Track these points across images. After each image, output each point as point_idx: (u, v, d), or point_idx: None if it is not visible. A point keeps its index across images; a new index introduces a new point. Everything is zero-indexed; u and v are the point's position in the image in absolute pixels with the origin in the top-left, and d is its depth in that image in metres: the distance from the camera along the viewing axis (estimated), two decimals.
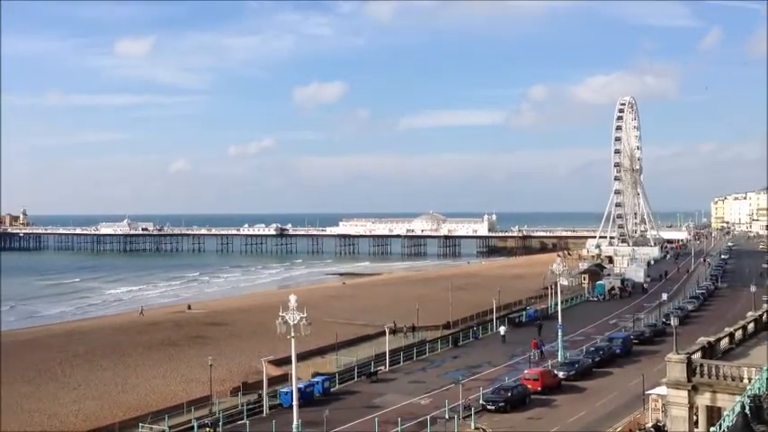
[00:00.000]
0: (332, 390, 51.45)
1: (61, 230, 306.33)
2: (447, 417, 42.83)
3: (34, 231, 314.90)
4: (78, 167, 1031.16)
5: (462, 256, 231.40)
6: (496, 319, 78.81)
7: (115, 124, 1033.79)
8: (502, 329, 71.54)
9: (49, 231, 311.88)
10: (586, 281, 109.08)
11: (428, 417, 42.18)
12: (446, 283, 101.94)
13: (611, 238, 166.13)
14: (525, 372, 51.35)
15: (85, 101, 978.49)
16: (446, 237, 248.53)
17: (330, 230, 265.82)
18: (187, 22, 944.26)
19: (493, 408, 45.11)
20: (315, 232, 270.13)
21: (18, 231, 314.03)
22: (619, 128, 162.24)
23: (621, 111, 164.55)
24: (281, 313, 35.61)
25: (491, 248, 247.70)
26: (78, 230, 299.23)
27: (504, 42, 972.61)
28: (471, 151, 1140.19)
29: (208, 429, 41.75)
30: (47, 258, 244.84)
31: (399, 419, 41.30)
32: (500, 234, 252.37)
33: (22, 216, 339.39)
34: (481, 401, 45.96)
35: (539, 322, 75.52)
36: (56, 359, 64.96)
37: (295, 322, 35.34)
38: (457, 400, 44.47)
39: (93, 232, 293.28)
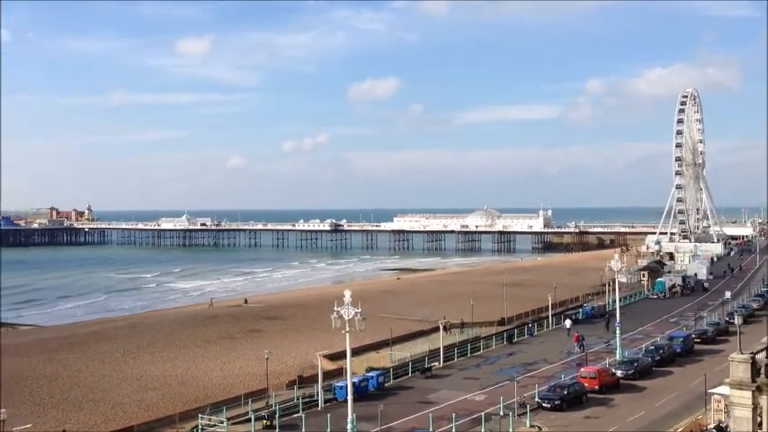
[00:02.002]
0: (386, 385, 51.67)
1: (124, 225, 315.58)
2: (502, 414, 42.52)
3: (99, 226, 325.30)
4: (140, 164, 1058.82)
5: (517, 252, 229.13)
6: (552, 316, 77.93)
7: (175, 122, 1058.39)
8: (567, 323, 70.95)
9: (112, 226, 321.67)
10: (646, 278, 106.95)
11: (482, 413, 42.00)
12: (500, 279, 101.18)
13: (672, 234, 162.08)
14: (582, 370, 50.65)
15: (147, 99, 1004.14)
16: (501, 232, 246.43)
17: (384, 226, 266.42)
18: (243, 21, 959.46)
19: (549, 406, 44.66)
20: (369, 228, 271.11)
21: (83, 226, 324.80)
22: (680, 121, 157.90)
23: (683, 103, 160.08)
24: (336, 308, 35.94)
25: (546, 244, 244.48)
26: (140, 226, 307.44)
27: (560, 36, 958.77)
28: (526, 146, 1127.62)
29: (265, 422, 42.43)
30: (114, 253, 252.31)
31: (453, 415, 41.22)
32: (556, 230, 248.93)
33: (87, 212, 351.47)
34: (537, 399, 45.54)
35: (607, 316, 74.52)
36: (119, 350, 66.89)
37: (350, 317, 35.62)
38: (512, 398, 44.13)
39: (154, 227, 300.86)
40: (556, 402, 44.74)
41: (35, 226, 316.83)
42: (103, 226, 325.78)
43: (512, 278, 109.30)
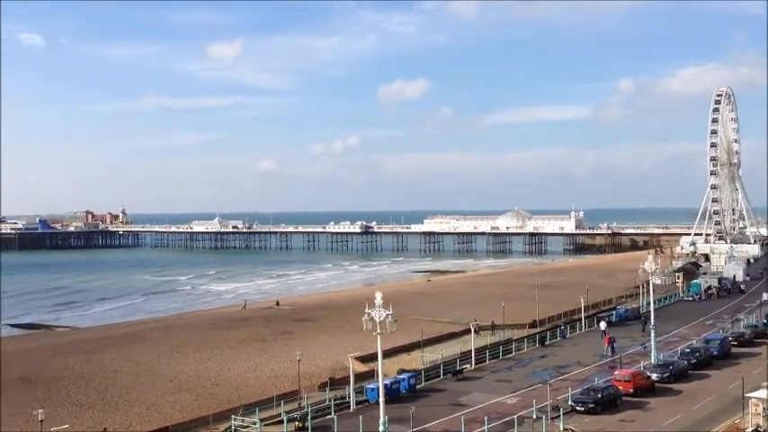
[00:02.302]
0: (418, 387, 51.57)
1: (157, 228, 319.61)
2: (535, 417, 42.21)
3: (132, 229, 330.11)
4: (172, 168, 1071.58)
5: (548, 254, 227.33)
6: (585, 318, 77.17)
7: (206, 125, 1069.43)
8: (602, 325, 70.26)
9: (146, 229, 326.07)
10: (681, 280, 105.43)
11: (515, 416, 41.71)
12: (532, 281, 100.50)
13: (708, 235, 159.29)
14: (616, 373, 50.05)
15: (179, 104, 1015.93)
16: (532, 234, 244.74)
17: (415, 228, 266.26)
18: (272, 25, 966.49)
19: (582, 409, 44.18)
20: (399, 230, 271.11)
21: (118, 229, 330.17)
22: (715, 120, 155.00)
23: (718, 102, 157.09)
24: (367, 310, 36.00)
25: (578, 246, 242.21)
26: (173, 228, 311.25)
27: (590, 36, 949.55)
28: (556, 147, 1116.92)
29: (297, 423, 42.61)
30: (148, 255, 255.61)
31: (486, 418, 40.98)
32: (588, 231, 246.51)
33: (121, 215, 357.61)
34: (570, 402, 45.08)
35: (643, 318, 73.67)
36: (153, 351, 67.77)
37: (381, 319, 35.66)
38: (545, 401, 43.77)
39: (186, 230, 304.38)
40: (590, 406, 44.26)
41: (71, 229, 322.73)
42: (137, 229, 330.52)
43: (543, 280, 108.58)
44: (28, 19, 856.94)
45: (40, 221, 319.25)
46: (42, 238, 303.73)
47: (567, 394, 46.26)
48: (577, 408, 44.36)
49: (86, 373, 59.14)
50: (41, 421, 37.86)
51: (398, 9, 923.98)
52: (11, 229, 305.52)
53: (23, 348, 73.30)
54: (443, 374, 55.42)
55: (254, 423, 42.94)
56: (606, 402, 44.95)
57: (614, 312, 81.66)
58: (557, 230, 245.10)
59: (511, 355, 62.64)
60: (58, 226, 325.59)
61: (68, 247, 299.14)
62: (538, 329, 73.86)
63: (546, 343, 67.47)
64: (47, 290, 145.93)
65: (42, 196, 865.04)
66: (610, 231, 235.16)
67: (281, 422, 43.08)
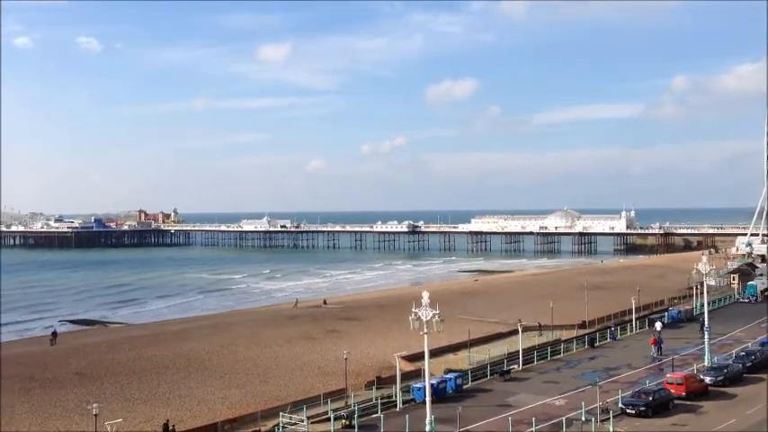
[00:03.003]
0: (464, 387, 51.40)
1: (207, 227, 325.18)
2: (584, 419, 41.67)
3: (183, 228, 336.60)
4: (223, 168, 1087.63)
5: (598, 254, 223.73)
6: (636, 319, 75.79)
7: (256, 126, 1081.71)
8: (658, 326, 69.04)
9: (196, 228, 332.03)
10: (736, 281, 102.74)
11: (563, 418, 41.25)
12: (581, 282, 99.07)
13: (765, 235, 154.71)
14: (668, 376, 49.09)
15: (230, 105, 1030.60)
16: (581, 234, 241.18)
17: (462, 227, 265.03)
18: (321, 27, 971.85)
19: (633, 412, 43.47)
20: (447, 229, 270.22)
21: (170, 228, 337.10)
22: None
23: None
24: (413, 309, 35.99)
25: (629, 246, 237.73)
26: (223, 227, 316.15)
27: (643, 34, 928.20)
28: (607, 146, 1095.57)
29: (344, 421, 42.89)
30: (199, 254, 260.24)
31: (533, 420, 40.63)
32: (639, 231, 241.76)
33: (173, 214, 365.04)
34: (620, 405, 44.38)
35: (701, 320, 72.10)
36: (204, 349, 68.89)
37: (428, 318, 35.61)
38: (594, 403, 43.16)
39: (236, 229, 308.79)
40: (640, 409, 43.50)
41: (125, 228, 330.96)
42: (188, 228, 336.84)
43: (593, 280, 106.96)
44: (85, 23, 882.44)
45: (95, 220, 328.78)
46: (97, 237, 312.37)
47: (617, 397, 45.56)
48: (628, 411, 43.66)
49: (139, 369, 60.48)
50: (96, 415, 38.87)
51: (446, 9, 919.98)
52: (68, 227, 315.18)
53: (79, 344, 75.35)
54: (490, 375, 55.13)
55: (302, 420, 43.34)
56: (658, 406, 44.12)
57: (666, 314, 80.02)
58: (607, 230, 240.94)
59: (559, 357, 61.95)
60: (112, 225, 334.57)
61: (122, 246, 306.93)
62: (587, 330, 72.85)
63: (595, 344, 66.52)
64: (109, 287, 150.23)
65: (101, 196, 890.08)
66: (662, 231, 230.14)
67: (328, 420, 43.38)
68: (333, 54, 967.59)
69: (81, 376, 58.22)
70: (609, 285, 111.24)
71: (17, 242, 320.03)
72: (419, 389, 46.80)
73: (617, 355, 61.98)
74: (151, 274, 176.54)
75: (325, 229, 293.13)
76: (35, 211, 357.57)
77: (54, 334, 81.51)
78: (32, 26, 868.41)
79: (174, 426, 42.40)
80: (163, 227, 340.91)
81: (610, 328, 72.80)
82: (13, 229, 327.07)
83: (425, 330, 35.66)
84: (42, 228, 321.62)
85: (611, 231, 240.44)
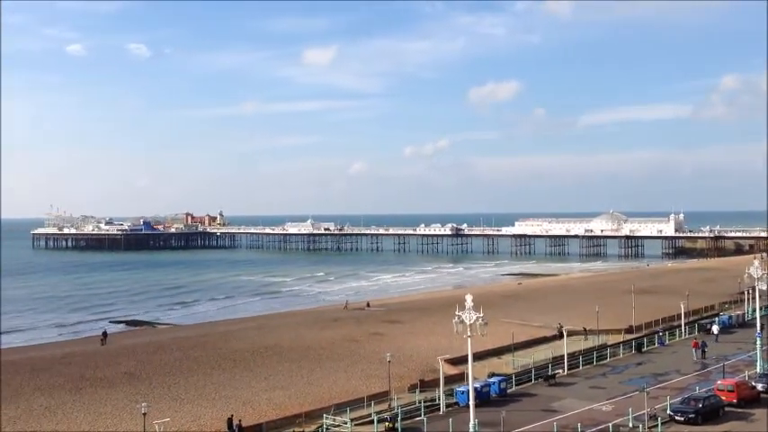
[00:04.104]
0: (508, 391, 50.99)
1: (252, 230, 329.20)
2: (631, 425, 40.97)
3: (229, 231, 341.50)
4: (267, 171, 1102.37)
5: (645, 258, 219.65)
6: (685, 324, 74.22)
7: (302, 129, 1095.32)
8: (714, 329, 67.53)
9: (242, 231, 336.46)
10: None
11: (609, 424, 40.65)
12: (627, 286, 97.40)
13: None
14: (719, 382, 47.90)
15: (276, 108, 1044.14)
16: (627, 237, 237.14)
17: (506, 230, 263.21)
18: (365, 30, 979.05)
19: (682, 419, 42.56)
20: (490, 232, 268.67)
21: (216, 231, 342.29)
22: None
23: None
24: (457, 312, 35.87)
25: (678, 250, 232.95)
26: (267, 230, 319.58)
27: (691, 32, 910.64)
28: (654, 147, 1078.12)
29: (387, 424, 42.92)
30: (244, 256, 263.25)
31: (579, 425, 40.11)
32: (688, 234, 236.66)
33: (219, 217, 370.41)
34: (669, 411, 43.49)
35: (761, 322, 70.48)
36: (248, 350, 69.71)
37: (471, 322, 35.47)
38: (641, 409, 42.34)
39: (280, 232, 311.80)
40: (690, 416, 42.55)
41: (172, 230, 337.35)
42: (234, 230, 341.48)
43: (640, 284, 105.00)
44: (135, 30, 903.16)
45: (144, 223, 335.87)
46: (146, 239, 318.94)
47: (666, 403, 44.65)
48: (677, 417, 42.77)
49: (185, 370, 61.46)
50: (144, 414, 39.67)
51: (489, 11, 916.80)
52: (117, 230, 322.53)
53: (129, 344, 77.01)
54: (535, 379, 54.59)
55: (345, 422, 43.54)
56: (707, 413, 43.13)
57: (717, 319, 78.13)
58: (654, 233, 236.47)
59: (605, 362, 61.03)
60: (160, 227, 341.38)
61: (169, 248, 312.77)
62: (634, 335, 71.64)
63: (643, 350, 65.36)
64: (165, 288, 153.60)
65: (149, 199, 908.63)
66: (712, 235, 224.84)
67: (371, 422, 43.51)
68: (376, 57, 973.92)
69: (130, 376, 59.46)
70: (657, 289, 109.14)
71: (69, 244, 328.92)
72: (462, 392, 46.60)
73: (665, 361, 60.77)
74: (205, 277, 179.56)
75: (368, 231, 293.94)
76: (86, 214, 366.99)
77: (104, 334, 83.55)
78: (85, 33, 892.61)
79: (240, 420, 43.05)
80: (209, 229, 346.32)
81: (658, 333, 71.42)
82: (66, 231, 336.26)
83: (469, 333, 35.51)
84: (93, 230, 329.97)
85: (659, 235, 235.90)
